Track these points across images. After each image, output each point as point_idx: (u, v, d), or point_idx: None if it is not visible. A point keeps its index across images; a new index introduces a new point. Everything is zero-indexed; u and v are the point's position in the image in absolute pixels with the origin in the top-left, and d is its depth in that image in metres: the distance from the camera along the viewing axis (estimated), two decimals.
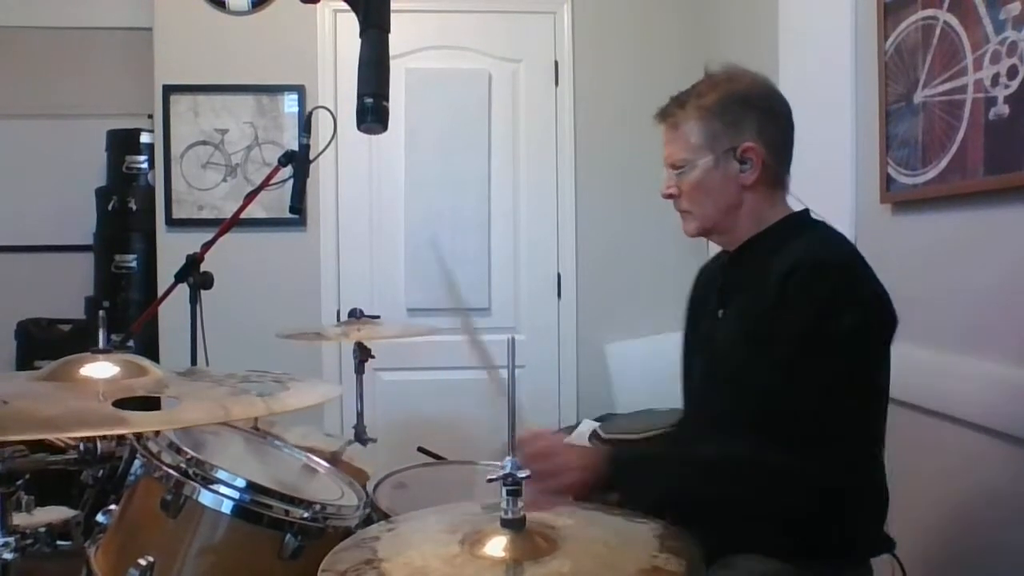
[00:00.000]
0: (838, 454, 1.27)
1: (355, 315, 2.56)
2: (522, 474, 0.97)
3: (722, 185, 1.43)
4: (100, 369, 1.23)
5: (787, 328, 1.29)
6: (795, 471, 1.25)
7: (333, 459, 2.05)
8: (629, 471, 1.31)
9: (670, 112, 1.47)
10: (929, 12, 1.87)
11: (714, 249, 1.62)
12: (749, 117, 1.42)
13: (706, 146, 1.42)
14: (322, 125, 2.90)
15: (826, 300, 1.29)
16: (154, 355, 3.32)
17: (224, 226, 2.26)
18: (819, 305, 1.29)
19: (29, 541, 1.37)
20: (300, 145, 2.22)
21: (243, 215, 2.31)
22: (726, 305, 1.48)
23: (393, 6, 1.61)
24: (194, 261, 2.21)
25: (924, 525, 1.78)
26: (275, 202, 3.23)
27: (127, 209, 3.61)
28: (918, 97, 1.92)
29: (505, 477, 0.97)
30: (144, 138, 3.64)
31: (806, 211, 1.48)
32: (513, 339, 1.01)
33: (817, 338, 1.27)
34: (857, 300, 1.31)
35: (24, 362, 3.63)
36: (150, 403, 1.18)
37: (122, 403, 1.11)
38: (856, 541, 1.36)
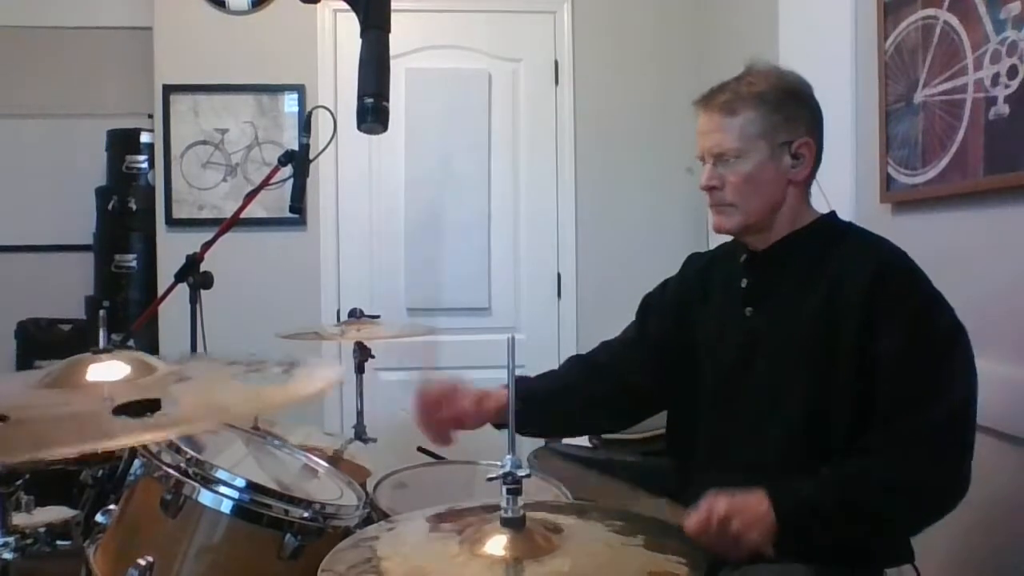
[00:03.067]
0: (969, 446, 1.27)
1: (355, 315, 2.56)
2: (521, 473, 0.97)
3: (773, 179, 1.40)
4: (105, 369, 1.21)
5: (903, 325, 1.29)
6: (948, 471, 1.26)
7: (334, 458, 2.05)
8: (798, 527, 1.25)
9: (722, 97, 1.41)
10: (929, 12, 1.87)
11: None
12: (804, 112, 1.41)
13: (763, 137, 1.38)
14: (322, 125, 2.90)
15: (929, 304, 1.31)
16: (154, 355, 3.32)
17: (224, 226, 2.27)
18: (923, 308, 1.31)
19: (29, 541, 1.37)
20: (300, 145, 2.22)
21: (243, 215, 2.31)
22: (757, 304, 1.45)
23: (393, 6, 1.61)
24: (194, 261, 2.21)
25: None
26: (275, 202, 3.23)
27: (127, 209, 3.60)
28: (918, 97, 1.92)
29: (505, 476, 0.96)
30: (144, 138, 3.64)
31: (833, 213, 1.48)
32: (513, 338, 1.01)
33: (939, 333, 1.29)
34: (945, 302, 1.34)
35: (24, 362, 3.62)
36: (156, 404, 1.17)
37: (127, 406, 1.10)
38: (875, 549, 1.35)
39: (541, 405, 1.53)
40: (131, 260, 3.58)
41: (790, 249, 1.43)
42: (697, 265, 1.64)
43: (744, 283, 1.48)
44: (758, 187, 1.40)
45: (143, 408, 1.09)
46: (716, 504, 1.21)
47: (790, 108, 1.39)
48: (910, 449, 1.25)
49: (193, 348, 2.21)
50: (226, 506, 1.27)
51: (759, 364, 1.41)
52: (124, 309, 3.49)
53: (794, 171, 1.40)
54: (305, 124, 2.32)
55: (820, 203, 1.50)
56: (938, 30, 1.83)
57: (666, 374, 1.58)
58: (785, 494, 1.24)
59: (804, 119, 1.40)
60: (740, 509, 1.21)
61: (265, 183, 2.27)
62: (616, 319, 3.68)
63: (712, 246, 1.65)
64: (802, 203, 1.44)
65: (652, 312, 1.68)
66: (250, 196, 2.28)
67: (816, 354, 1.33)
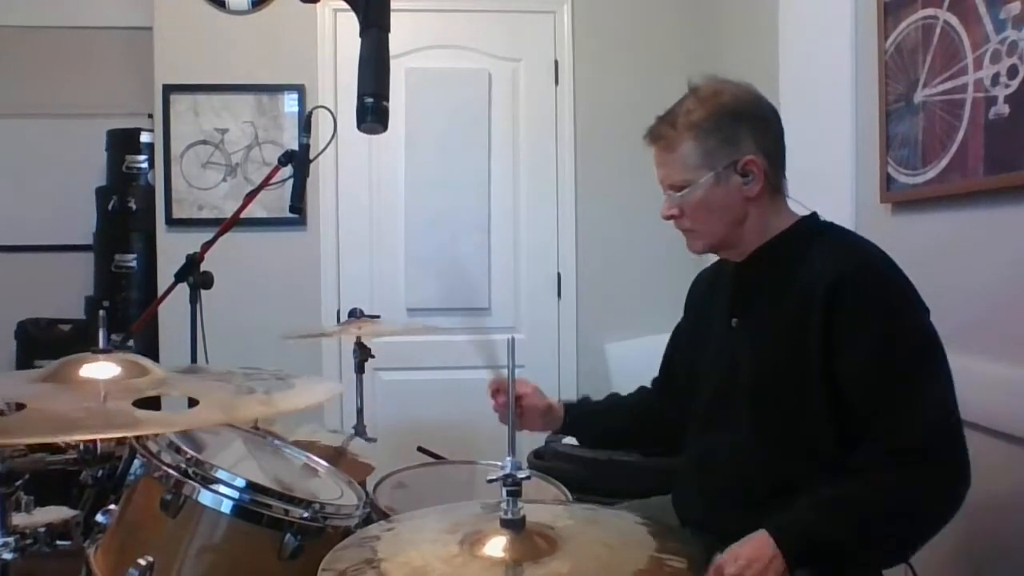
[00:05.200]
0: (961, 445, 1.26)
1: (355, 315, 2.56)
2: (522, 474, 0.97)
3: (726, 201, 1.41)
4: (100, 369, 1.22)
5: (863, 339, 1.28)
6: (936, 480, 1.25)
7: (337, 453, 2.05)
8: (809, 560, 1.24)
9: (661, 133, 1.44)
10: (929, 11, 1.86)
11: (711, 255, 1.61)
12: (743, 130, 1.40)
13: (704, 164, 1.40)
14: (322, 125, 2.90)
15: (896, 311, 1.30)
16: (154, 355, 3.32)
17: (224, 226, 2.26)
18: (888, 316, 1.29)
19: (29, 541, 1.37)
20: (300, 145, 2.21)
21: (243, 215, 2.31)
22: (740, 315, 1.46)
23: (393, 6, 1.61)
24: (194, 261, 2.21)
25: None
26: (275, 202, 3.23)
27: (127, 209, 3.61)
28: (918, 97, 1.91)
29: (505, 478, 0.96)
30: (144, 138, 3.64)
31: (814, 215, 1.47)
32: (513, 339, 1.01)
33: (903, 341, 1.28)
34: (918, 299, 1.32)
35: (24, 362, 3.62)
36: (155, 403, 1.17)
37: (147, 400, 1.11)
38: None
39: (592, 415, 1.73)
40: (131, 260, 3.58)
41: (766, 258, 1.44)
42: (701, 285, 1.67)
43: (729, 294, 1.50)
44: (712, 211, 1.42)
45: (149, 405, 1.10)
46: (723, 568, 1.19)
47: (727, 130, 1.39)
48: (905, 462, 1.24)
49: (193, 349, 2.20)
50: (226, 506, 1.27)
51: (742, 373, 1.42)
52: (124, 309, 3.49)
53: (747, 188, 1.41)
54: (305, 124, 2.32)
55: (800, 208, 1.49)
56: (938, 30, 1.83)
57: (683, 395, 1.61)
58: (789, 533, 1.23)
59: (745, 136, 1.40)
60: (749, 562, 1.19)
61: (265, 183, 2.27)
62: (616, 319, 3.71)
63: None
64: (772, 212, 1.44)
65: (676, 351, 1.71)
66: (250, 196, 2.28)
67: (789, 363, 1.34)
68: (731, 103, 1.42)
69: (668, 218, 1.47)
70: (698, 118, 1.40)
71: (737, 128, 1.40)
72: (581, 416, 1.71)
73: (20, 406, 1.07)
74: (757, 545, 1.22)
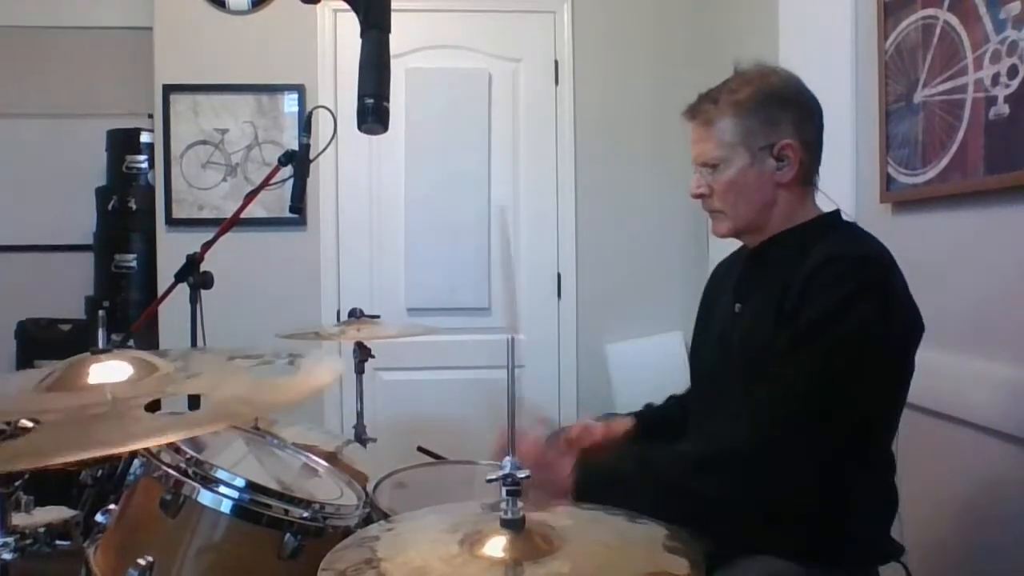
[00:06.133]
0: (830, 445, 1.26)
1: (355, 315, 2.56)
2: (522, 474, 0.97)
3: (757, 183, 1.40)
4: (106, 370, 1.21)
5: (802, 316, 1.27)
6: (770, 470, 1.25)
7: (331, 458, 2.04)
8: (596, 494, 1.25)
9: (702, 109, 1.43)
10: (929, 12, 1.87)
11: (716, 251, 1.61)
12: (786, 114, 1.40)
13: (742, 143, 1.39)
14: (322, 125, 2.90)
15: (849, 293, 1.27)
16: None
17: (224, 226, 2.26)
18: (841, 295, 1.26)
19: (28, 541, 1.37)
20: (300, 145, 2.21)
21: (243, 215, 2.31)
22: (743, 300, 1.46)
23: (393, 6, 1.61)
24: (194, 261, 2.21)
25: (927, 528, 1.78)
26: (275, 202, 3.23)
27: (127, 209, 3.61)
28: (918, 97, 1.91)
29: (505, 477, 0.96)
30: (144, 138, 3.64)
31: (837, 211, 1.47)
32: (513, 339, 1.01)
33: (832, 326, 1.25)
34: (881, 296, 1.28)
35: (24, 362, 3.63)
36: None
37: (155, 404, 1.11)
38: (864, 545, 1.35)
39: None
40: (131, 260, 3.58)
41: (777, 246, 1.44)
42: (717, 275, 1.67)
43: (736, 280, 1.50)
44: (743, 192, 1.41)
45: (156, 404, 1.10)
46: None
47: (769, 111, 1.39)
48: (727, 421, 1.28)
49: (193, 348, 2.20)
50: (226, 506, 1.27)
51: (733, 358, 1.42)
52: (124, 309, 3.49)
53: (780, 173, 1.40)
54: (305, 124, 2.32)
55: (826, 205, 1.49)
56: (938, 30, 1.83)
57: None
58: (589, 468, 1.33)
59: (786, 120, 1.39)
60: (543, 466, 1.29)
61: (265, 183, 2.27)
62: (616, 319, 3.71)
63: (711, 245, 1.65)
64: (798, 203, 1.43)
65: (695, 343, 1.69)
66: (250, 196, 2.28)
67: (769, 346, 1.33)
68: (779, 86, 1.42)
69: (697, 196, 1.46)
70: (743, 97, 1.40)
71: (780, 112, 1.39)
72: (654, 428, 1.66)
73: (35, 423, 1.06)
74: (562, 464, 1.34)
